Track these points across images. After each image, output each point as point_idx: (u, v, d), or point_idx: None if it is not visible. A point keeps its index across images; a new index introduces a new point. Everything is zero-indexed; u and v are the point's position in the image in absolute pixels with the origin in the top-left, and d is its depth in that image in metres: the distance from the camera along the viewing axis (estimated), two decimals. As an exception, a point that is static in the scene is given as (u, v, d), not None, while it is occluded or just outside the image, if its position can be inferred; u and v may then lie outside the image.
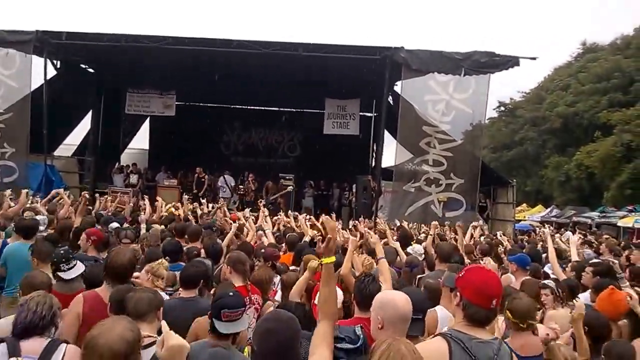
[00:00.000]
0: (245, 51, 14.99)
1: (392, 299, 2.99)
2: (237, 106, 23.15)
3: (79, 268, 4.60)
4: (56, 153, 19.18)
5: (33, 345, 2.96)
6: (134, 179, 19.24)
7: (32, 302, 3.06)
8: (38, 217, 7.28)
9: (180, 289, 4.55)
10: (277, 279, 5.52)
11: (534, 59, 14.59)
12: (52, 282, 4.22)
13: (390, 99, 16.77)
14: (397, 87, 16.26)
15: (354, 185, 18.05)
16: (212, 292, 4.93)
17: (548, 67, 49.72)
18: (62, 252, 4.64)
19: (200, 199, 14.20)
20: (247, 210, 11.15)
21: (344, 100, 19.54)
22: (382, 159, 16.77)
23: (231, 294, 3.26)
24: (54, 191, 10.57)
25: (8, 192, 10.89)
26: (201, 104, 23.25)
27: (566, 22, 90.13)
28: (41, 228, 6.75)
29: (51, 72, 17.06)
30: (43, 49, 16.03)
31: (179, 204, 12.43)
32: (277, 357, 2.41)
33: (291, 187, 17.85)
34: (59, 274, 4.49)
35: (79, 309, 3.81)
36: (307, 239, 8.10)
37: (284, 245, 7.64)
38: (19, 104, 16.01)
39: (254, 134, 23.29)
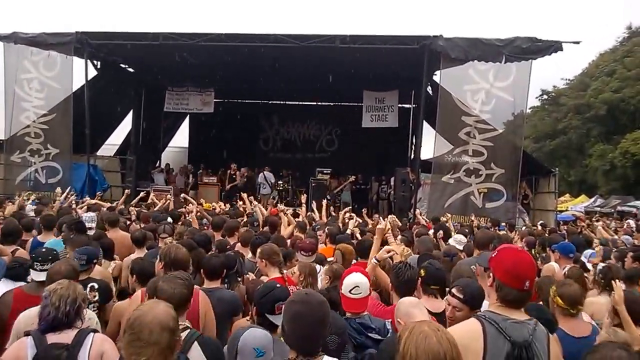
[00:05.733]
0: (282, 45, 14.95)
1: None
2: (275, 102, 23.29)
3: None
4: (99, 153, 19.56)
5: (61, 339, 2.94)
6: (180, 180, 19.58)
7: (54, 296, 3.00)
8: (87, 215, 7.42)
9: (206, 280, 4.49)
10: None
11: (577, 43, 14.04)
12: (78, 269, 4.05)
13: (429, 89, 16.49)
14: (436, 77, 16.03)
15: (392, 179, 17.77)
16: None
17: (592, 52, 48.34)
18: (43, 250, 4.46)
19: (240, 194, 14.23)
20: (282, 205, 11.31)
21: (382, 92, 19.27)
22: (421, 151, 16.58)
23: (278, 285, 3.27)
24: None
25: (58, 189, 11.43)
26: (239, 101, 23.35)
27: (611, 5, 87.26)
28: (91, 225, 6.91)
29: (92, 73, 17.34)
30: (83, 50, 16.23)
31: (219, 202, 12.57)
32: (305, 340, 2.45)
33: (353, 176, 18.47)
34: (31, 271, 4.21)
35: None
36: (348, 232, 8.07)
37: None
38: (62, 105, 16.30)
39: (292, 129, 23.39)
